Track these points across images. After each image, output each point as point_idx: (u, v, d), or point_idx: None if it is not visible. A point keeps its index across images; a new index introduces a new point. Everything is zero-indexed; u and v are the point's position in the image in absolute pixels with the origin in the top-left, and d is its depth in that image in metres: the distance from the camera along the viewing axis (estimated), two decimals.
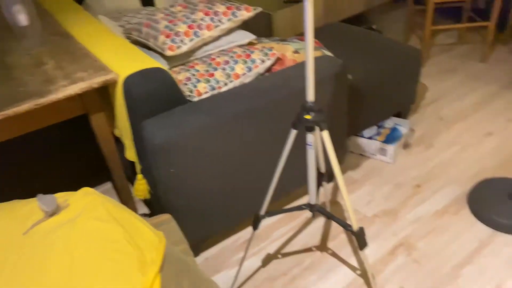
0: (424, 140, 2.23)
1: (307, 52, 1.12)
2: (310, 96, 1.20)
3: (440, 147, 2.17)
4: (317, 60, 1.69)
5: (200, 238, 1.63)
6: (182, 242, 1.28)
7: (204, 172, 1.48)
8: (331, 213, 1.41)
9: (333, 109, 1.72)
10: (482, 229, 1.71)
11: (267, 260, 1.68)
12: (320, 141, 1.34)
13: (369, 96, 2.04)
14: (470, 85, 2.64)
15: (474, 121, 2.33)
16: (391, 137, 2.12)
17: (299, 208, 1.44)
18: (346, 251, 1.68)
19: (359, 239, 1.27)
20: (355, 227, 1.26)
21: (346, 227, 1.29)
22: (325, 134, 1.21)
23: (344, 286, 1.55)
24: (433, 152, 2.14)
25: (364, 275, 1.58)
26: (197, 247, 1.72)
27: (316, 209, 1.43)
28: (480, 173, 1.99)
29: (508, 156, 2.07)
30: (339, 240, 1.73)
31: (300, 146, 1.67)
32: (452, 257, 1.62)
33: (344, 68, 1.69)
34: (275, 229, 1.81)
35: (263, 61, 1.70)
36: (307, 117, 1.21)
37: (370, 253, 1.66)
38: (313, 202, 1.44)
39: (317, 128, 1.26)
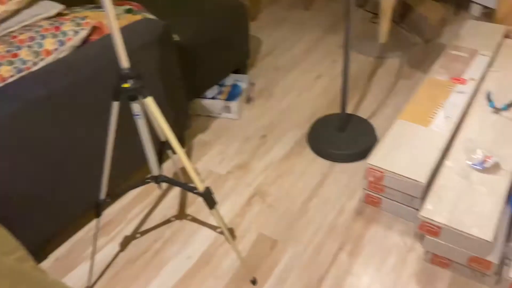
0: (264, 92, 2.32)
1: (108, 12, 1.02)
2: (124, 62, 1.12)
3: (279, 96, 2.28)
4: (137, 24, 1.58)
5: (42, 240, 1.46)
6: (17, 249, 1.14)
7: (26, 167, 1.30)
8: (176, 180, 1.37)
9: (164, 74, 1.65)
10: (322, 163, 1.87)
11: (126, 242, 1.59)
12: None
13: (203, 56, 2.02)
14: (298, 33, 2.81)
15: (305, 67, 2.50)
16: (233, 94, 2.16)
17: (143, 182, 1.37)
18: (205, 213, 1.69)
19: (206, 199, 1.26)
20: (201, 188, 1.25)
21: (192, 190, 1.27)
22: (149, 101, 1.15)
23: (207, 247, 1.56)
24: (274, 102, 2.25)
25: (224, 232, 1.61)
26: (42, 249, 1.55)
27: (160, 180, 1.38)
28: (315, 113, 2.15)
29: (335, 93, 2.28)
30: (197, 205, 1.72)
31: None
32: (300, 194, 1.74)
33: (168, 30, 1.62)
34: (130, 209, 1.72)
35: (76, 32, 1.52)
36: (126, 85, 1.12)
37: (228, 209, 1.69)
38: (156, 173, 1.38)
39: (140, 96, 1.18)
